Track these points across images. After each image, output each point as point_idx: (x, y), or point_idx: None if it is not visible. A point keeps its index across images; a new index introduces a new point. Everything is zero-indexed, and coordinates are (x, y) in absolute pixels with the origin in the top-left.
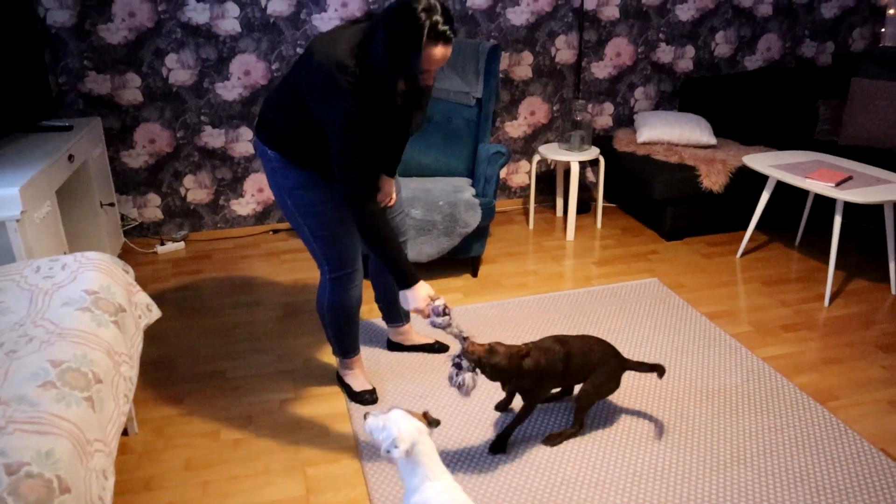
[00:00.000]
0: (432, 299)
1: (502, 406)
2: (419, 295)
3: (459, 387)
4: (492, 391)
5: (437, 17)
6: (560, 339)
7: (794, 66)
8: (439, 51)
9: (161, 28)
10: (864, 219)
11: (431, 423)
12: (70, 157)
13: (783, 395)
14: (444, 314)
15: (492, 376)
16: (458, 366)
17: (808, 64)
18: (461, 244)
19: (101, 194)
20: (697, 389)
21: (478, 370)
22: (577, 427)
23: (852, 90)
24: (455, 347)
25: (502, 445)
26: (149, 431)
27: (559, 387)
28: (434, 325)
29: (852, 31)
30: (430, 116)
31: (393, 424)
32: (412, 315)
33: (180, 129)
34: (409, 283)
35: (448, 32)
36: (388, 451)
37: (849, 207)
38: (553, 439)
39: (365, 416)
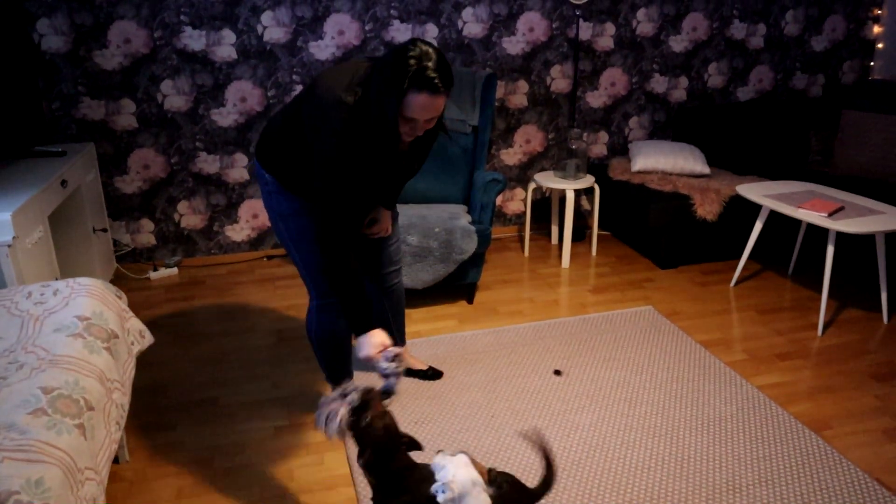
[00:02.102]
0: (385, 347)
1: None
2: (373, 342)
3: (320, 413)
4: (507, 418)
5: (427, 65)
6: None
7: (786, 97)
8: (423, 99)
9: (157, 54)
10: (856, 249)
11: (493, 481)
12: (63, 183)
13: (778, 423)
14: (394, 360)
15: (357, 437)
16: (343, 395)
17: (800, 95)
18: (457, 271)
19: (94, 220)
20: (693, 417)
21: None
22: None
23: (843, 122)
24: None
25: None
26: (140, 459)
27: None
28: (380, 370)
29: (842, 64)
30: None
31: (450, 468)
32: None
33: (175, 154)
34: (365, 329)
35: (436, 81)
36: (436, 493)
37: (841, 237)
38: None
39: (437, 452)
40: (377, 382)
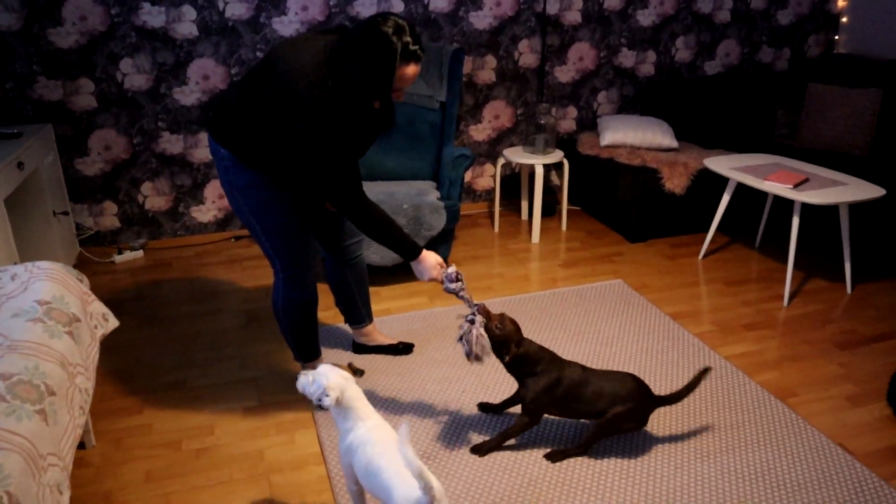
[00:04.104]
0: (443, 266)
1: (489, 407)
2: (430, 264)
3: (467, 342)
4: (478, 392)
5: (407, 38)
6: (581, 367)
7: (753, 71)
8: (411, 69)
9: (114, 32)
10: (821, 221)
11: (356, 371)
12: (19, 165)
13: (745, 392)
14: (458, 280)
15: (496, 343)
16: (471, 321)
17: (766, 69)
18: (426, 247)
19: (54, 203)
20: (662, 388)
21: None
22: (583, 449)
23: (809, 95)
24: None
25: (483, 451)
26: (107, 444)
27: (563, 414)
28: (448, 290)
29: (808, 38)
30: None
31: (321, 377)
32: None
33: (137, 135)
34: (414, 255)
35: (419, 52)
36: (320, 401)
37: (806, 209)
38: (555, 456)
39: (297, 377)
40: (343, 356)
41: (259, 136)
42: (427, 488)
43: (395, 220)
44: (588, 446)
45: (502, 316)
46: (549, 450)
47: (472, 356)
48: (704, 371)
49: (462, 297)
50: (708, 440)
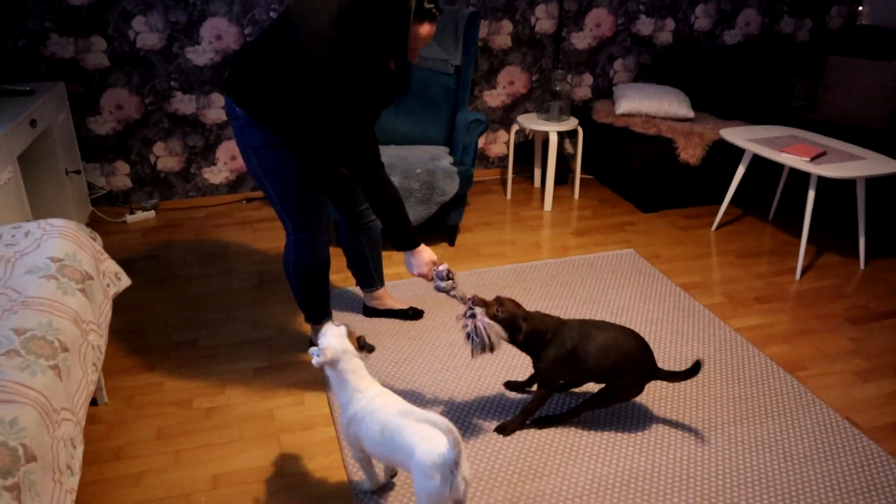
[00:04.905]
0: (435, 264)
1: (515, 385)
2: (423, 259)
3: (478, 335)
4: (487, 357)
5: None
6: (579, 321)
7: (772, 41)
8: (425, 29)
9: None
10: (836, 195)
11: (363, 346)
12: (32, 122)
13: (754, 364)
14: (448, 278)
15: (505, 324)
16: (472, 315)
17: (786, 40)
18: (438, 213)
19: (67, 161)
20: (671, 358)
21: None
22: (573, 416)
23: (829, 67)
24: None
25: (509, 431)
26: (119, 401)
27: (574, 378)
28: (438, 289)
29: (830, 9)
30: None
31: (323, 338)
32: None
33: (149, 94)
34: (413, 245)
35: (434, 10)
36: (312, 355)
37: (822, 183)
38: (542, 423)
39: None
40: (355, 320)
41: (274, 95)
42: (456, 442)
43: (409, 184)
44: (579, 413)
45: (498, 299)
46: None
47: (488, 347)
48: (697, 364)
49: (454, 297)
50: (715, 411)
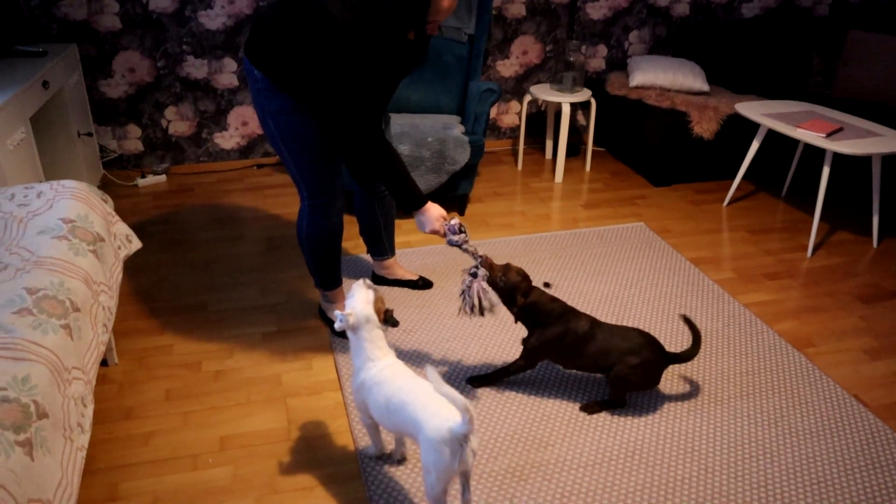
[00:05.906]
0: (445, 219)
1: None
2: (433, 215)
3: (469, 296)
4: (495, 328)
5: None
6: (591, 321)
7: (791, 15)
8: (447, 2)
9: None
10: (851, 172)
11: (388, 319)
12: (45, 84)
13: (762, 340)
14: (460, 231)
15: (503, 293)
16: (473, 275)
17: (806, 14)
18: (449, 182)
19: (79, 124)
20: (680, 332)
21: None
22: (617, 404)
23: (848, 42)
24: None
25: (480, 383)
26: (129, 362)
27: (564, 364)
28: (451, 243)
29: None
30: None
31: (351, 299)
32: (416, 232)
33: (161, 58)
34: (418, 206)
35: None
36: (336, 318)
37: (837, 159)
38: (591, 408)
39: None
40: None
41: (293, 59)
42: (471, 420)
43: (420, 153)
44: (618, 401)
45: (507, 266)
46: (558, 388)
47: (477, 310)
48: (694, 329)
49: (466, 250)
50: (723, 385)
